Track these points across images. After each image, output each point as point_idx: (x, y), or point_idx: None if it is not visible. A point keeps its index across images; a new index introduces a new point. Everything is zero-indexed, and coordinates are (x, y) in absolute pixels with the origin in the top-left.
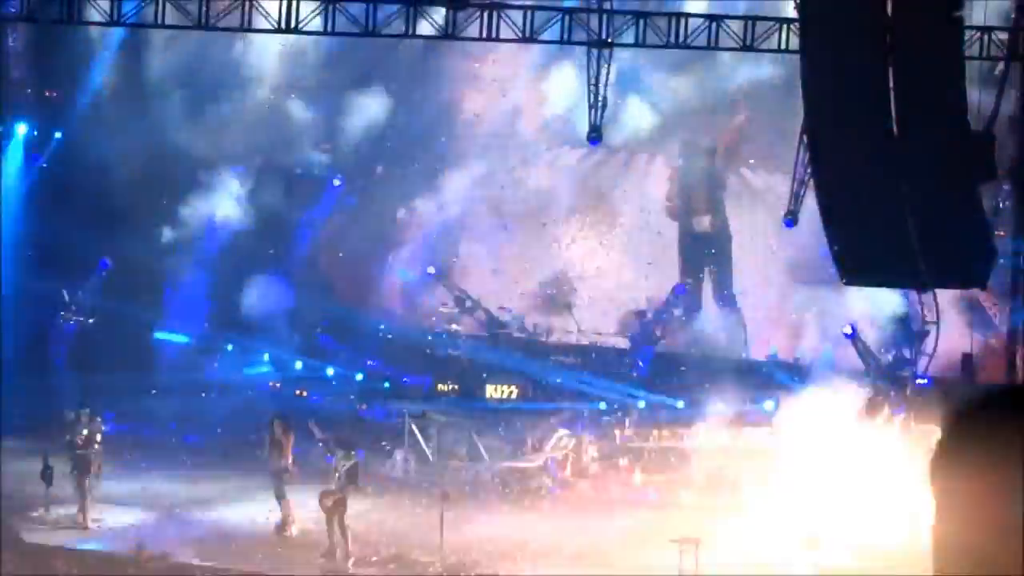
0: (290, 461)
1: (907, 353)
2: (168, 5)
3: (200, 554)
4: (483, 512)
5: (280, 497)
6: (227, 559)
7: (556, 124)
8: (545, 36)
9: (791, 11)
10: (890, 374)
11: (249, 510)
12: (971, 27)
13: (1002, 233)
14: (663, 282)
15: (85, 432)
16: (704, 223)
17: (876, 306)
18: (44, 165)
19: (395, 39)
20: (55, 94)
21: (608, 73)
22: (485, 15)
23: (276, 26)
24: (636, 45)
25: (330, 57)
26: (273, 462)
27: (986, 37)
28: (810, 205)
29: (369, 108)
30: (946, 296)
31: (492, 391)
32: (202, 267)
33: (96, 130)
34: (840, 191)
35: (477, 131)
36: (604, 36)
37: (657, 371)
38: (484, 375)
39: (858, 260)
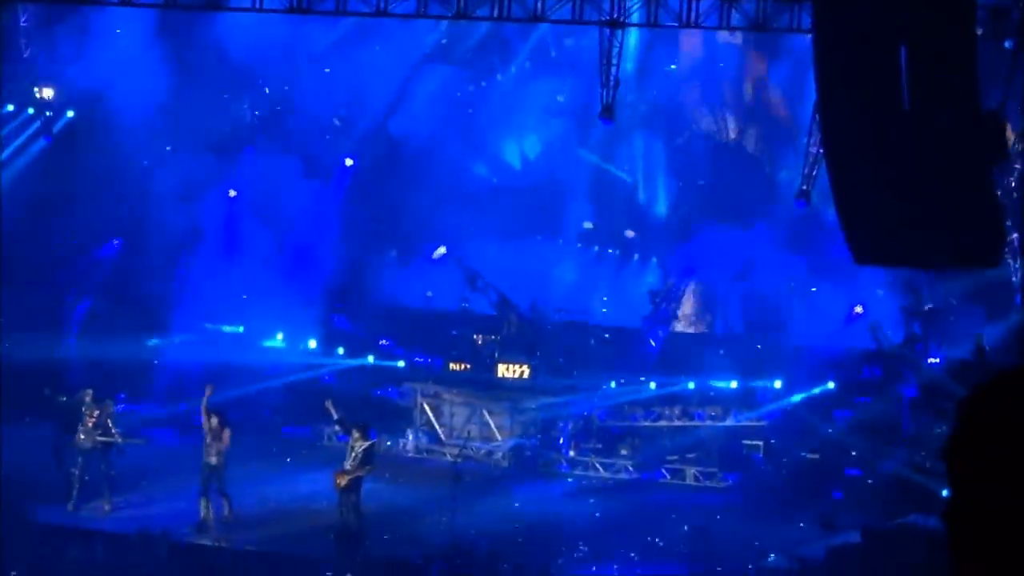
0: (221, 459)
1: (918, 332)
2: None
3: (212, 534)
4: (495, 491)
5: (202, 494)
6: (238, 538)
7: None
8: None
9: None
10: (901, 354)
11: (260, 488)
12: (983, 6)
13: None
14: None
15: (97, 413)
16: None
17: (887, 285)
18: (54, 143)
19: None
20: (66, 73)
21: (620, 52)
22: None
23: (288, 6)
24: (648, 24)
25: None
26: (205, 455)
27: (997, 17)
28: (822, 184)
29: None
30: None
31: (503, 370)
32: (214, 246)
33: (108, 110)
34: (852, 171)
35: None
36: (616, 15)
37: (669, 351)
38: (495, 354)
39: (869, 239)
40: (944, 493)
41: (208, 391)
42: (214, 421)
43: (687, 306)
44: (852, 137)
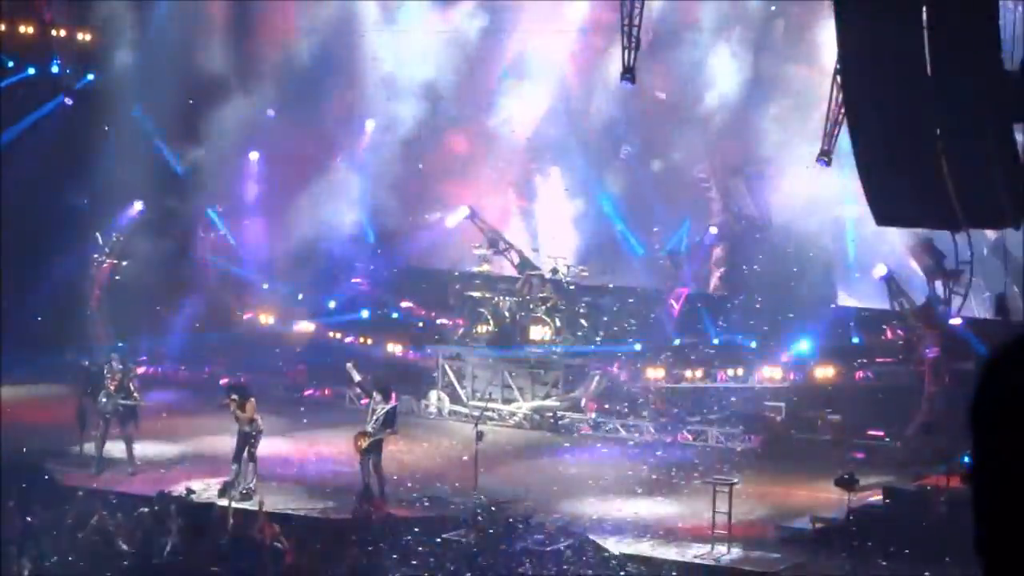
0: (254, 426)
1: (940, 294)
2: None
3: (234, 496)
4: (517, 451)
5: (236, 460)
6: (260, 500)
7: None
8: None
9: None
10: (923, 314)
11: (281, 451)
12: None
13: None
14: (698, 224)
15: (119, 377)
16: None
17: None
18: (74, 105)
19: None
20: (88, 36)
21: (641, 14)
22: None
23: None
24: None
25: None
26: (239, 425)
27: None
28: (844, 145)
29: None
30: (980, 236)
31: (526, 333)
32: (232, 210)
33: (129, 72)
34: (873, 131)
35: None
36: None
37: (692, 312)
38: (517, 316)
39: (891, 200)
40: (967, 453)
41: (228, 397)
42: (231, 402)
43: (712, 267)
44: (873, 99)
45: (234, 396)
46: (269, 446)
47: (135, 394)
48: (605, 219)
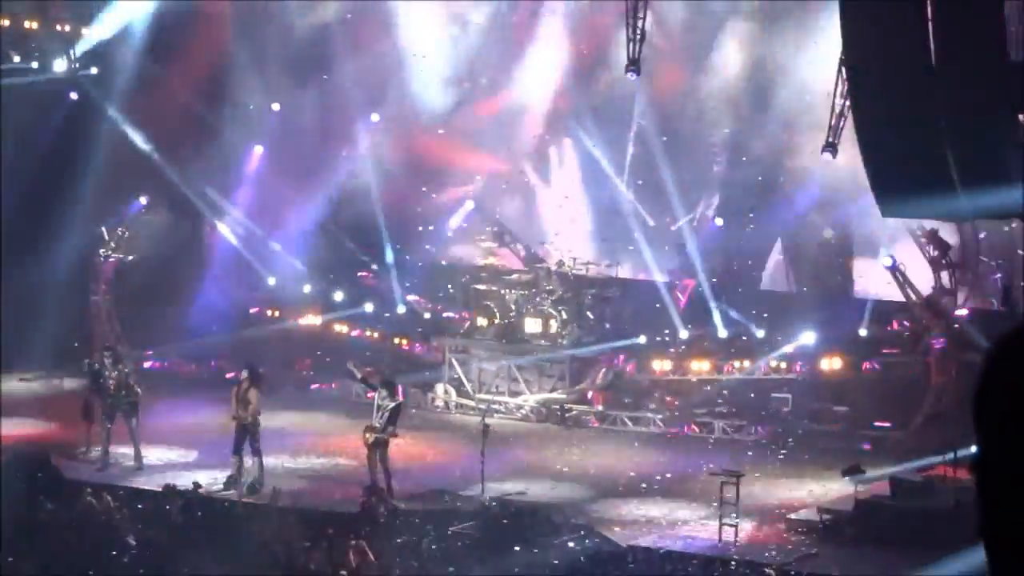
0: (254, 418)
1: (947, 284)
2: None
3: (241, 490)
4: (523, 445)
5: (236, 452)
6: (267, 493)
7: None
8: None
9: None
10: (930, 305)
11: (288, 445)
12: None
13: None
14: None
15: (115, 374)
16: None
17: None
18: (79, 100)
19: None
20: (92, 31)
21: (646, 5)
22: None
23: None
24: None
25: None
26: (238, 413)
27: None
28: (849, 136)
29: None
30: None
31: (532, 325)
32: (236, 204)
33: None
34: (878, 123)
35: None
36: None
37: (697, 304)
38: (524, 309)
39: (896, 191)
40: (973, 444)
41: (243, 375)
42: (244, 381)
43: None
44: (878, 89)
45: (246, 375)
46: (275, 440)
47: (136, 388)
48: (617, 195)
